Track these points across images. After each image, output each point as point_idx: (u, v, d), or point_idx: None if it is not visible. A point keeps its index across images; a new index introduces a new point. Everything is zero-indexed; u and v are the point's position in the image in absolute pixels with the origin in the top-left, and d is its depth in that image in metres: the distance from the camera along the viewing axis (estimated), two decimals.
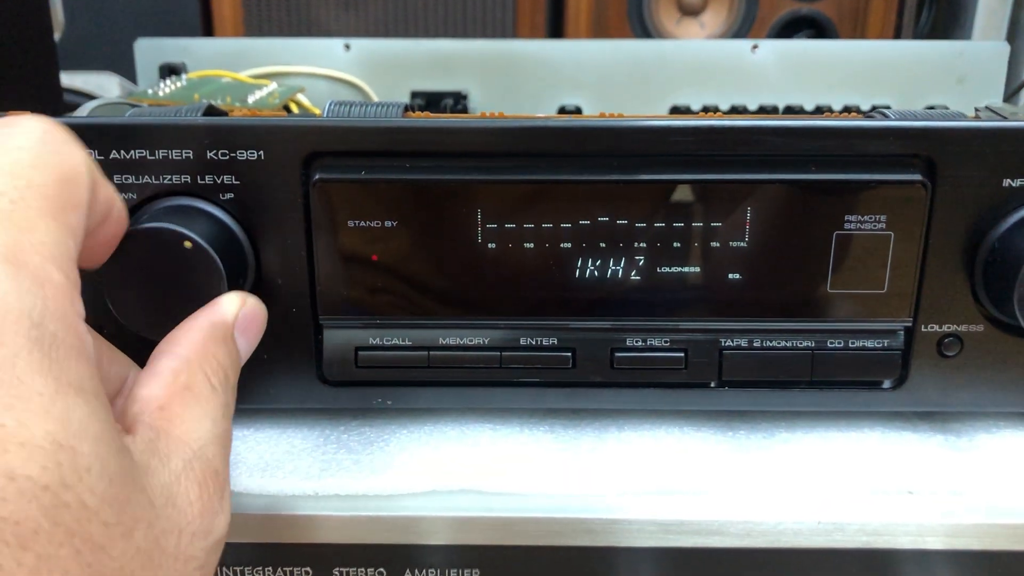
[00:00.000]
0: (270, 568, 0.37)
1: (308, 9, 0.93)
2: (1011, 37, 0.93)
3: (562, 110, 0.68)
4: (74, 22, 0.98)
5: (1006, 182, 0.36)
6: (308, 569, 0.37)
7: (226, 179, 0.35)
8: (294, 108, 0.60)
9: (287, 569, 0.37)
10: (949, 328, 0.38)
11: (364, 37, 0.84)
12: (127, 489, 0.24)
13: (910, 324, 0.38)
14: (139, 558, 0.23)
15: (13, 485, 0.21)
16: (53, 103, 0.63)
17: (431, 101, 0.67)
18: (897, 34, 1.06)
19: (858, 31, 1.09)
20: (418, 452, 0.39)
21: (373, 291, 0.37)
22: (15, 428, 0.21)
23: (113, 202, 0.29)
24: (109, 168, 0.35)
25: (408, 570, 0.37)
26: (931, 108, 0.65)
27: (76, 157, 0.26)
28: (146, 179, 0.35)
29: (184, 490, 0.26)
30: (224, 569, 0.37)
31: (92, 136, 0.35)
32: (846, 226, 0.36)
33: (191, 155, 0.35)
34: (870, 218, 0.36)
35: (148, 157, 0.35)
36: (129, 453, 0.25)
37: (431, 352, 0.38)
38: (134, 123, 0.35)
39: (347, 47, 0.67)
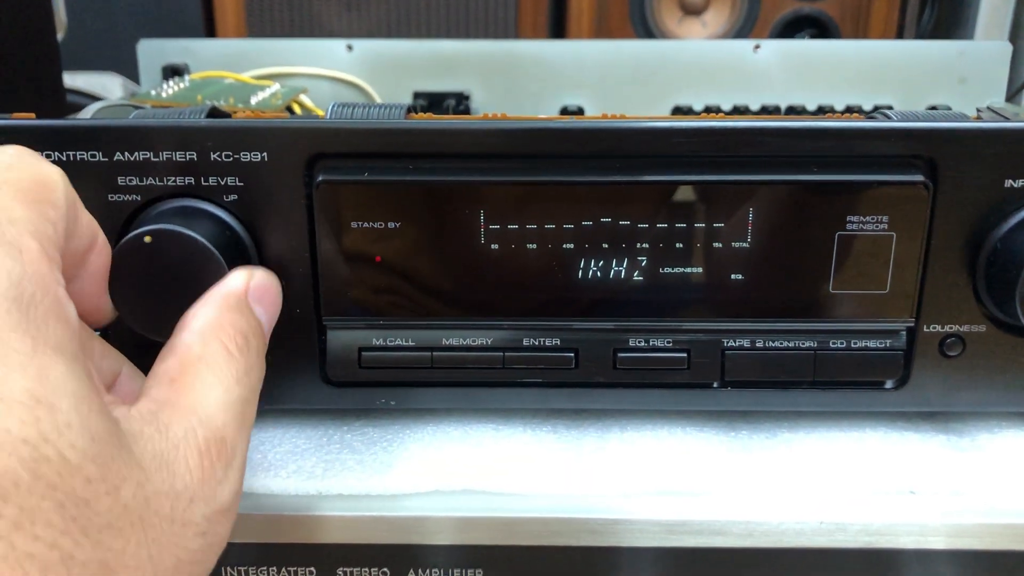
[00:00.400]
0: (274, 568, 0.37)
1: (310, 10, 0.94)
2: (1013, 37, 0.93)
3: (564, 110, 0.68)
4: (77, 23, 0.98)
5: (1008, 182, 0.36)
6: (312, 569, 0.37)
7: (230, 180, 0.36)
8: (297, 109, 0.60)
9: (291, 569, 0.37)
10: (951, 328, 0.38)
11: (366, 38, 0.84)
12: (111, 447, 0.24)
13: (912, 324, 0.38)
14: (127, 516, 0.23)
15: None
16: (56, 104, 0.64)
17: (433, 102, 0.67)
18: (899, 33, 1.06)
19: (860, 30, 1.09)
20: (421, 452, 0.39)
21: (377, 292, 0.37)
22: None
23: (96, 230, 0.30)
24: (113, 169, 0.35)
25: (412, 570, 0.37)
26: (933, 108, 0.66)
27: (50, 169, 0.28)
28: (150, 181, 0.35)
29: (182, 456, 0.26)
30: (228, 569, 0.37)
31: (96, 138, 0.35)
32: (848, 227, 0.36)
33: (195, 157, 0.35)
34: (872, 219, 0.36)
35: (152, 159, 0.35)
36: (114, 418, 0.25)
37: (434, 353, 0.38)
38: (138, 125, 0.35)
39: (349, 48, 0.68)
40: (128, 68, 0.85)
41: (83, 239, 0.30)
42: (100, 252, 0.31)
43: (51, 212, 0.26)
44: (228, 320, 0.30)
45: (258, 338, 0.31)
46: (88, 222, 0.30)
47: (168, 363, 0.29)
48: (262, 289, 0.33)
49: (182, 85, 0.59)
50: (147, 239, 0.33)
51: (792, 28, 1.11)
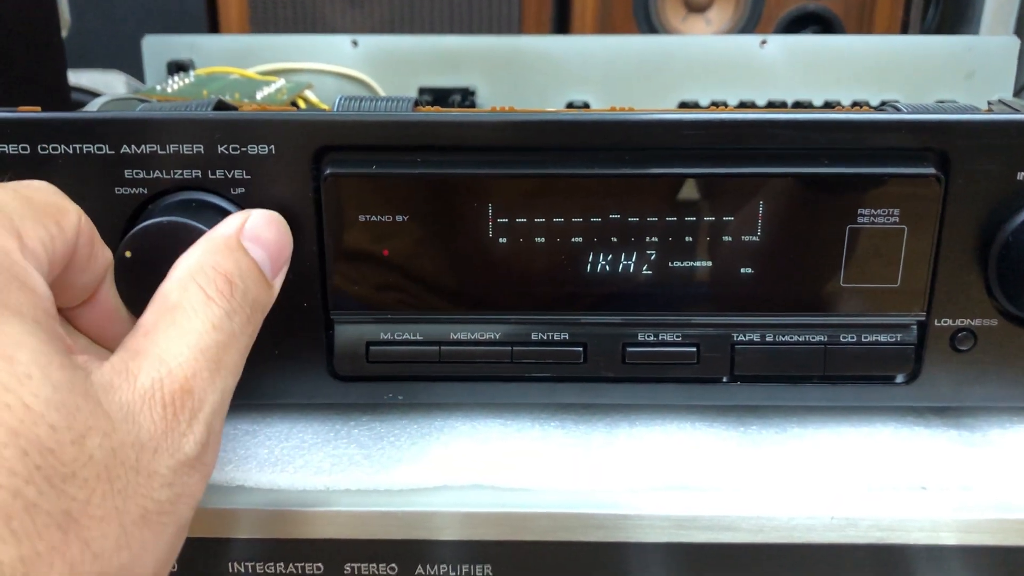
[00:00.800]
0: (281, 563, 0.37)
1: (314, 5, 0.93)
2: (1020, 32, 0.92)
3: (570, 106, 0.68)
4: (80, 20, 0.98)
5: (1020, 175, 0.36)
6: (319, 564, 0.37)
7: (237, 173, 0.35)
8: (302, 104, 0.60)
9: (298, 564, 0.37)
10: (962, 323, 0.38)
11: (371, 34, 0.84)
12: (76, 397, 0.23)
13: (923, 319, 0.38)
14: (93, 466, 0.23)
15: None
16: (61, 101, 0.63)
17: (439, 97, 0.67)
18: (904, 29, 1.06)
19: (864, 26, 1.09)
20: (429, 447, 0.39)
21: (384, 286, 0.37)
22: None
23: (110, 261, 0.32)
24: (120, 162, 0.35)
25: (419, 565, 0.37)
26: (940, 103, 0.65)
27: (72, 204, 0.29)
28: (157, 173, 0.35)
29: (147, 406, 0.26)
30: (235, 564, 0.37)
31: (103, 131, 0.35)
32: (859, 220, 0.36)
33: (202, 149, 0.35)
34: (883, 212, 0.36)
35: (159, 151, 0.35)
36: (83, 371, 0.25)
37: (442, 347, 0.38)
38: (145, 117, 0.35)
39: (355, 43, 0.67)
40: (132, 65, 0.85)
41: (96, 273, 0.31)
42: (110, 281, 0.32)
43: (52, 227, 0.27)
44: (210, 262, 0.30)
45: (249, 279, 0.31)
46: (103, 253, 0.31)
47: (147, 314, 0.29)
48: (259, 227, 0.32)
49: (187, 81, 0.59)
50: (127, 254, 0.33)
51: (796, 25, 1.11)
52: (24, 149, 0.35)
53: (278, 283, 0.33)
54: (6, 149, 0.35)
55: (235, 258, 0.31)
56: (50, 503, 0.22)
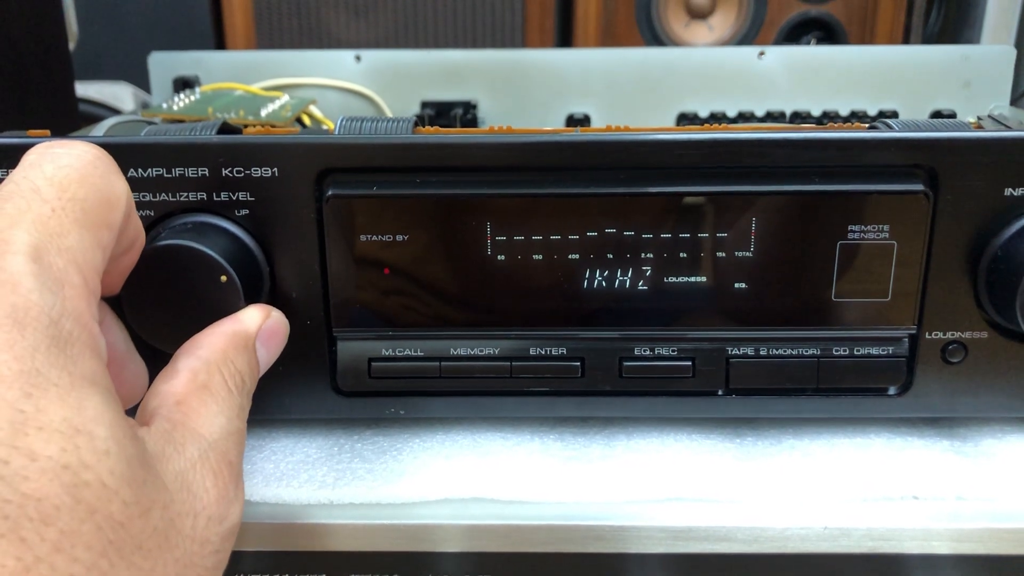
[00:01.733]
0: (288, 575, 0.37)
1: (319, 20, 0.94)
2: (1019, 41, 0.93)
3: (571, 118, 0.68)
4: (87, 32, 0.99)
5: (1008, 191, 0.36)
6: None
7: (241, 196, 0.36)
8: (306, 120, 0.61)
9: None
10: (953, 335, 0.38)
11: (374, 48, 0.85)
12: (143, 471, 0.25)
13: (914, 331, 0.38)
14: (156, 537, 0.24)
15: (35, 465, 0.22)
16: (68, 113, 0.64)
17: (441, 111, 0.67)
18: (906, 35, 1.06)
19: (867, 33, 1.09)
20: (431, 461, 0.39)
21: (385, 303, 0.38)
22: (34, 414, 0.22)
23: (140, 235, 0.31)
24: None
25: None
26: (937, 112, 0.66)
27: (119, 185, 0.29)
28: (163, 196, 0.36)
29: (200, 477, 0.27)
30: None
31: (111, 155, 0.35)
32: (850, 236, 0.37)
33: (207, 172, 0.36)
34: (873, 228, 0.37)
35: (165, 175, 0.36)
36: (143, 441, 0.26)
37: (443, 362, 0.39)
38: (151, 142, 0.36)
39: (358, 58, 0.68)
40: (138, 76, 0.85)
41: (126, 242, 0.31)
42: (134, 252, 0.32)
43: (106, 236, 0.28)
44: (232, 357, 0.32)
45: (252, 382, 0.33)
46: (135, 226, 0.31)
47: (173, 384, 0.30)
48: (271, 332, 0.34)
49: (193, 97, 0.60)
50: (223, 279, 0.34)
51: (799, 31, 1.11)
52: None
53: None
54: None
55: (249, 360, 0.33)
56: (121, 574, 0.23)
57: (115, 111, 0.88)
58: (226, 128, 0.38)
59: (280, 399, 0.39)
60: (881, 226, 0.37)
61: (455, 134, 0.37)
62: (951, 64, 0.67)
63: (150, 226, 0.36)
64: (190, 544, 0.26)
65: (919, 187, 0.36)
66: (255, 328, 0.34)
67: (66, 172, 0.27)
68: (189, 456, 0.27)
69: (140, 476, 0.24)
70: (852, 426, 0.42)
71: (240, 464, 0.30)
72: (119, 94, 0.92)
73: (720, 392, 0.39)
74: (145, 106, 0.83)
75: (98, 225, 0.27)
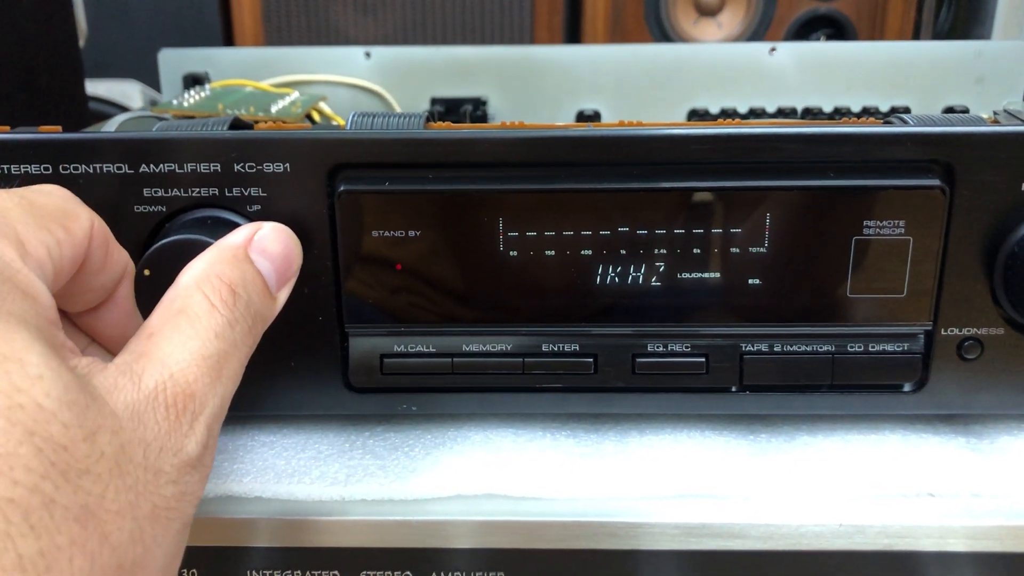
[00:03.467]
0: (298, 572, 0.37)
1: (327, 17, 0.94)
2: None
3: (581, 114, 0.68)
4: (96, 30, 0.99)
5: None
6: (336, 572, 0.37)
7: (253, 191, 0.36)
8: (316, 116, 0.61)
9: (315, 573, 0.37)
10: (969, 332, 0.38)
11: (383, 44, 0.85)
12: (84, 396, 0.24)
13: (930, 328, 0.38)
14: (104, 462, 0.24)
15: None
16: (78, 110, 0.65)
17: (450, 107, 0.67)
18: (916, 32, 1.06)
19: (876, 29, 1.09)
20: (442, 457, 0.39)
21: (397, 299, 0.38)
22: None
23: (127, 262, 0.33)
24: (139, 181, 0.36)
25: (434, 573, 0.37)
26: (950, 109, 0.66)
27: (83, 209, 0.30)
28: (175, 192, 0.36)
29: (151, 408, 0.26)
30: (254, 573, 0.38)
31: (122, 150, 0.36)
32: (865, 231, 0.36)
33: (219, 168, 0.36)
34: (889, 223, 0.36)
35: (177, 170, 0.36)
36: (87, 373, 0.26)
37: (455, 359, 0.39)
38: (162, 137, 0.36)
39: (367, 55, 0.68)
40: (147, 74, 0.86)
41: (113, 272, 0.32)
42: (128, 281, 0.33)
43: (58, 231, 0.28)
44: (216, 271, 0.31)
45: (252, 290, 0.31)
46: (119, 257, 0.32)
47: (152, 318, 0.29)
48: (268, 240, 0.33)
49: (203, 94, 0.60)
50: (146, 272, 0.34)
51: (808, 28, 1.11)
52: (47, 169, 0.36)
53: (283, 296, 0.33)
54: (29, 169, 0.36)
55: (241, 269, 0.31)
56: (67, 498, 0.23)
57: (124, 108, 0.88)
58: (237, 124, 0.38)
59: (292, 395, 0.39)
60: (897, 222, 0.36)
61: (467, 130, 0.37)
62: (964, 60, 0.67)
63: (162, 221, 0.36)
64: (142, 473, 0.25)
65: (935, 182, 0.36)
66: (243, 239, 0.32)
67: (31, 192, 0.29)
68: (145, 386, 0.27)
69: (81, 400, 0.24)
70: (867, 423, 0.41)
71: (209, 395, 0.28)
72: (128, 91, 0.92)
73: (734, 389, 0.39)
74: (154, 103, 0.83)
75: (51, 219, 0.28)
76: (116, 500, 0.24)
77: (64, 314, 0.33)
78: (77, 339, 0.34)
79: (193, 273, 0.31)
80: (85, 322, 0.34)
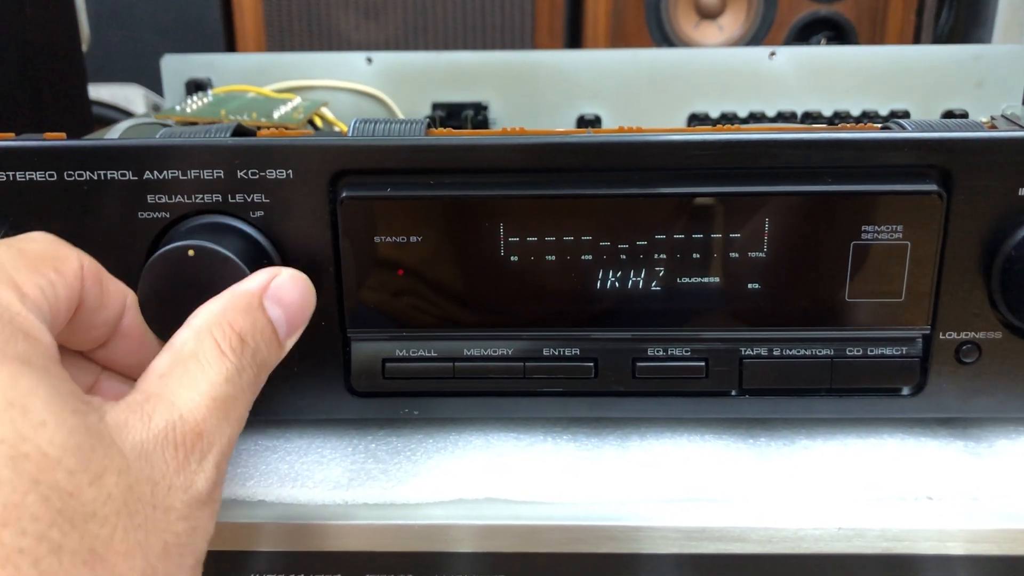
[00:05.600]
0: (302, 575, 0.38)
1: (328, 23, 0.95)
2: None
3: (581, 119, 0.69)
4: (99, 35, 1.00)
5: (1022, 191, 0.36)
6: None
7: (256, 197, 0.36)
8: (319, 122, 0.61)
9: None
10: (967, 335, 0.38)
11: (385, 50, 0.85)
12: (90, 439, 0.25)
13: (928, 332, 0.38)
14: (112, 504, 0.24)
15: None
16: (82, 115, 0.65)
17: (452, 112, 0.67)
18: (917, 35, 1.06)
19: (877, 32, 1.09)
20: (444, 461, 0.39)
21: (399, 304, 0.38)
22: None
23: (126, 293, 0.33)
24: (143, 188, 0.36)
25: None
26: (949, 113, 0.66)
27: (71, 250, 0.31)
28: (179, 198, 0.36)
29: (160, 447, 0.27)
30: None
31: (126, 157, 0.36)
32: (863, 236, 0.37)
33: (222, 174, 0.36)
34: (887, 228, 0.37)
35: (180, 177, 0.36)
36: (96, 411, 0.26)
37: (456, 363, 0.39)
38: (166, 144, 0.36)
39: (369, 60, 0.68)
40: (150, 78, 0.86)
41: (113, 307, 0.32)
42: (132, 312, 0.34)
43: (50, 274, 0.29)
44: (228, 319, 0.31)
45: (261, 340, 0.32)
46: (116, 289, 0.33)
47: (162, 358, 0.30)
48: (283, 288, 0.33)
49: (205, 100, 0.60)
50: (191, 252, 0.34)
51: (809, 31, 1.11)
52: (51, 176, 0.36)
53: (291, 343, 0.34)
54: (34, 176, 0.36)
55: (253, 318, 0.32)
56: (75, 543, 0.23)
57: (127, 113, 0.89)
58: (240, 130, 0.39)
59: (294, 400, 0.40)
60: (894, 226, 0.36)
61: (469, 135, 0.37)
62: (963, 64, 0.67)
63: (166, 227, 0.36)
64: (152, 511, 0.26)
65: (933, 187, 0.36)
66: (258, 287, 0.33)
67: (19, 240, 0.30)
68: (154, 426, 0.27)
69: (87, 444, 0.24)
70: (866, 427, 0.42)
71: (216, 435, 0.29)
72: (131, 96, 0.93)
73: (733, 392, 0.39)
74: (156, 108, 0.83)
75: (41, 263, 0.29)
76: (125, 540, 0.25)
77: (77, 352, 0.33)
78: (88, 371, 0.34)
79: (205, 317, 0.31)
80: (99, 356, 0.34)
